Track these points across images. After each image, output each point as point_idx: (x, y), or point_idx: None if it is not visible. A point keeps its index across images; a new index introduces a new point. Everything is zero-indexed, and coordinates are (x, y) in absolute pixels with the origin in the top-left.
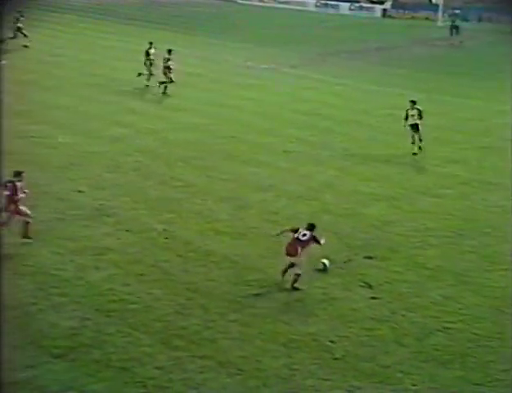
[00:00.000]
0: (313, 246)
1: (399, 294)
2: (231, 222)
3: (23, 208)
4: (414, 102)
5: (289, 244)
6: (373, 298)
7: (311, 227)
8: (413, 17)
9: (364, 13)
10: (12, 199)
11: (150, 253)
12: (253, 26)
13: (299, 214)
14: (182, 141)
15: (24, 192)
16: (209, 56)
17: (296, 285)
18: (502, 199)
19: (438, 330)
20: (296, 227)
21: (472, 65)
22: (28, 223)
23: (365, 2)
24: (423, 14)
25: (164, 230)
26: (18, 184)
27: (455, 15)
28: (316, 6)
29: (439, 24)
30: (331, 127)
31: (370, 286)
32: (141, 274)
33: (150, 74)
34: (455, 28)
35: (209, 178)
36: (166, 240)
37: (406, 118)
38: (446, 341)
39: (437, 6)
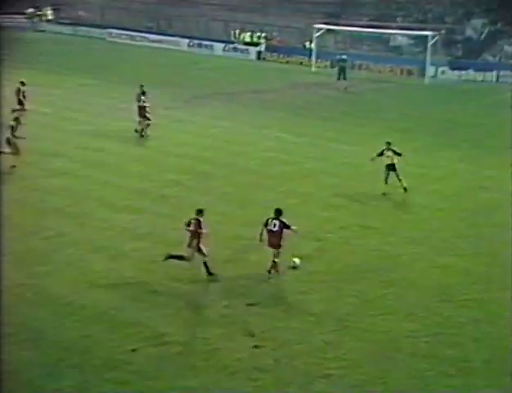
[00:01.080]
0: (287, 232)
1: (282, 341)
2: (106, 273)
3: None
4: (389, 143)
5: (269, 237)
6: (256, 347)
7: (277, 213)
8: (288, 61)
9: (238, 55)
10: (196, 234)
11: (18, 311)
12: (124, 65)
13: (178, 263)
14: (53, 187)
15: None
16: (79, 97)
17: (274, 271)
18: (381, 243)
19: (321, 377)
20: (265, 219)
21: (351, 111)
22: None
23: (239, 44)
24: (297, 58)
25: (34, 284)
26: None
27: (343, 60)
28: (189, 46)
29: (313, 69)
30: (210, 171)
31: (252, 335)
32: (9, 335)
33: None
34: (342, 72)
35: (82, 227)
36: (35, 295)
37: (381, 154)
38: (329, 388)
39: (310, 50)
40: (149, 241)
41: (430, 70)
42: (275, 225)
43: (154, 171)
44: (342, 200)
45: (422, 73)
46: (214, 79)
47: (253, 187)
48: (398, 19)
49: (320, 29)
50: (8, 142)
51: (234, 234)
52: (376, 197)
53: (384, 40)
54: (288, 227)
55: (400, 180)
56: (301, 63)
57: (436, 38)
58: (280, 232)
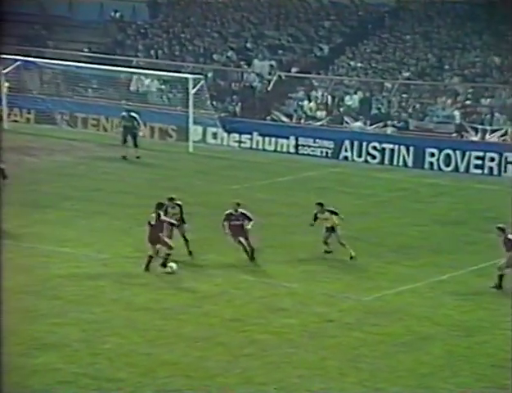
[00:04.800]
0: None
1: None
2: None
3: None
4: (322, 205)
5: (234, 232)
6: None
7: (237, 205)
8: None
9: None
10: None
11: None
12: None
13: None
14: None
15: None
16: None
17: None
18: None
19: None
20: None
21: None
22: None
23: None
24: None
25: None
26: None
27: (132, 118)
28: None
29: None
30: None
31: None
32: None
33: None
34: (131, 135)
35: None
36: None
37: (315, 219)
38: None
39: None
40: None
41: (196, 132)
42: (237, 219)
43: None
44: None
45: (184, 135)
46: None
47: None
48: (140, 53)
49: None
50: None
51: None
52: None
53: (121, 82)
54: (249, 218)
55: (342, 244)
56: None
57: (201, 84)
58: (242, 224)
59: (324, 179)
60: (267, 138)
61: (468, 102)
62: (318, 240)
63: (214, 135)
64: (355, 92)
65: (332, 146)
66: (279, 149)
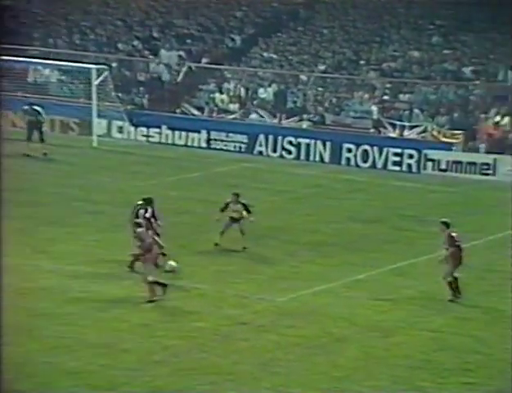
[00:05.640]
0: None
1: None
2: None
3: None
4: (237, 195)
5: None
6: None
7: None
8: None
9: None
10: None
11: None
12: None
13: None
14: None
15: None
16: None
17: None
18: None
19: None
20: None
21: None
22: None
23: None
24: None
25: None
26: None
27: (35, 111)
28: None
29: None
30: None
31: None
32: None
33: None
34: (36, 130)
35: None
36: None
37: (224, 210)
38: None
39: None
40: None
41: (100, 126)
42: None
43: None
44: None
45: (87, 129)
46: None
47: None
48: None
49: None
50: None
51: None
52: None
53: (16, 73)
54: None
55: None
56: None
57: (105, 75)
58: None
59: (237, 175)
60: (176, 132)
61: (386, 98)
62: (230, 239)
63: (120, 129)
64: (269, 85)
65: (246, 140)
66: (189, 143)
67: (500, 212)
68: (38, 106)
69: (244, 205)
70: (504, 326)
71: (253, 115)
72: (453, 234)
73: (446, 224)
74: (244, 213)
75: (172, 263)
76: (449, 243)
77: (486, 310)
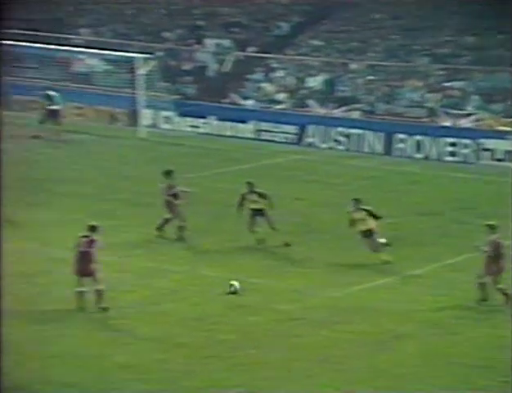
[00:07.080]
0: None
1: None
2: None
3: None
4: (252, 184)
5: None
6: None
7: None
8: None
9: None
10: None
11: None
12: None
13: None
14: None
15: None
16: None
17: None
18: None
19: None
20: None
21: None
22: None
23: None
24: None
25: None
26: None
27: (50, 97)
28: None
29: None
30: None
31: None
32: None
33: None
34: (51, 115)
35: None
36: None
37: (242, 204)
38: None
39: None
40: None
41: (146, 116)
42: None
43: None
44: None
45: (133, 119)
46: None
47: None
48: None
49: None
50: None
51: None
52: None
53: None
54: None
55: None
56: None
57: (151, 64)
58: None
59: (287, 167)
60: (224, 123)
61: (438, 85)
62: (277, 233)
63: (167, 119)
64: (318, 74)
65: (294, 131)
66: (237, 134)
67: None
68: (54, 91)
69: (260, 194)
70: None
71: (302, 105)
72: (498, 241)
73: (492, 227)
74: (264, 202)
75: (234, 282)
76: (491, 248)
77: None
